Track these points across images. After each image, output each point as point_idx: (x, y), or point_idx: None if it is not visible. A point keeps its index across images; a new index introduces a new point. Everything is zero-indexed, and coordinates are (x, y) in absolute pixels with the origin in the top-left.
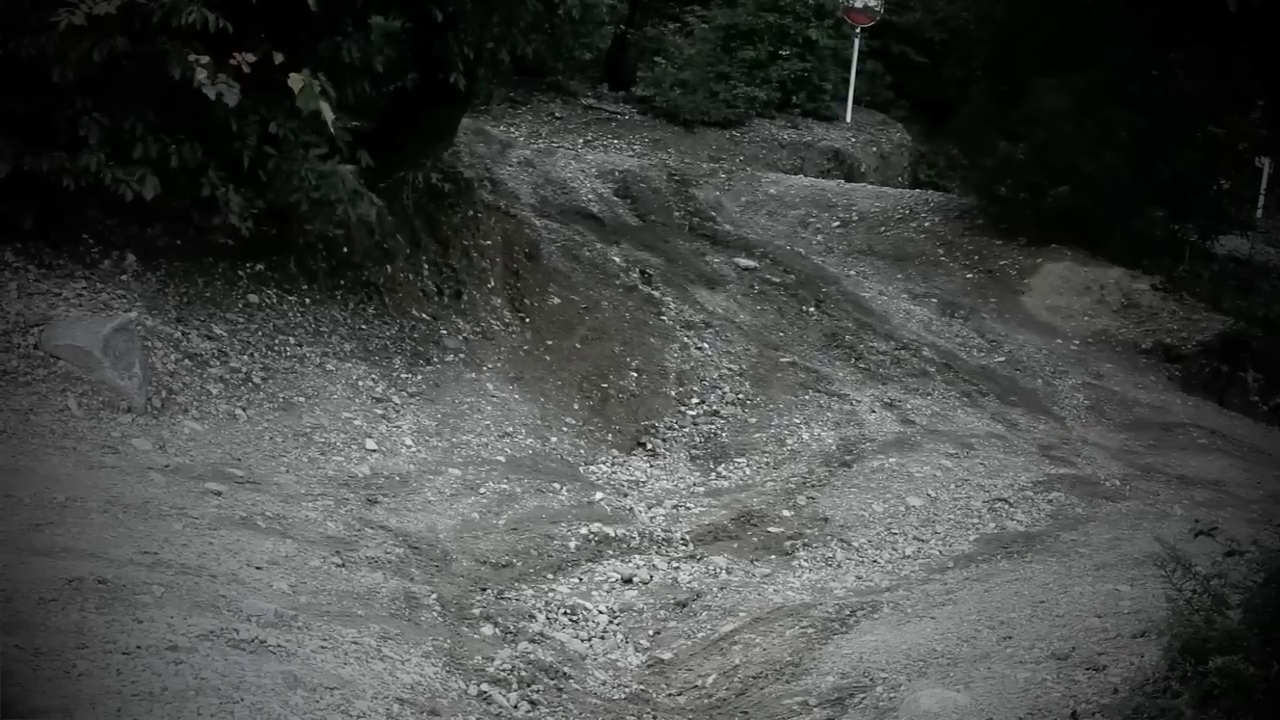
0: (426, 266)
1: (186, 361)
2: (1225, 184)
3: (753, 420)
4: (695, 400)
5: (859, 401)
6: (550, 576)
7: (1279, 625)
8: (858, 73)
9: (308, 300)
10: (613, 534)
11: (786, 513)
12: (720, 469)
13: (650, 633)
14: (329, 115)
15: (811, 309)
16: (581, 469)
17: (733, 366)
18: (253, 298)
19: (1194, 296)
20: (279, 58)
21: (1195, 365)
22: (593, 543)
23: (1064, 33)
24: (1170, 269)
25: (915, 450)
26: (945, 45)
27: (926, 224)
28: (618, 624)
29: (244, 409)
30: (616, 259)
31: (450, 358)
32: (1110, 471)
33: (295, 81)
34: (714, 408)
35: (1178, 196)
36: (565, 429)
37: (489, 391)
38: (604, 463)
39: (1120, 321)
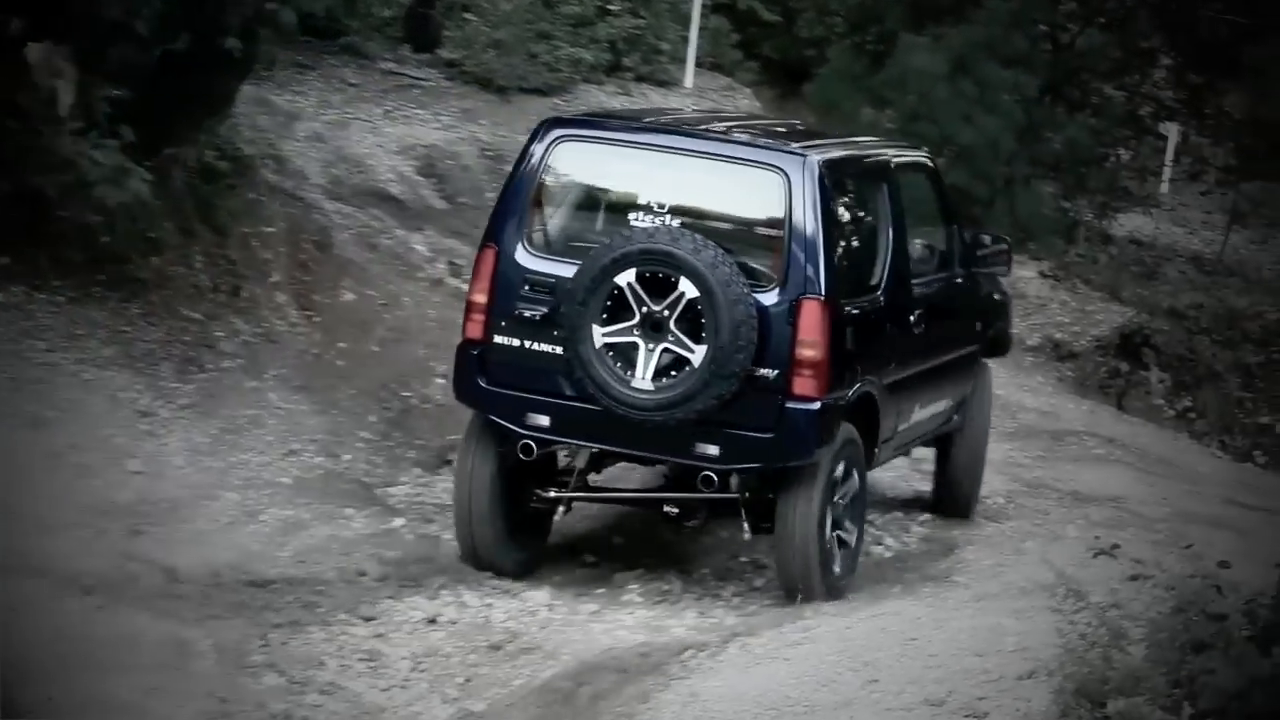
0: (200, 258)
1: None
2: (1125, 154)
3: None
4: None
5: None
6: (343, 617)
7: (1188, 662)
8: (700, 30)
9: (61, 299)
10: (416, 566)
11: (618, 539)
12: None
13: (459, 681)
14: (66, 99)
15: None
16: (379, 491)
17: None
18: None
19: (1088, 284)
20: (16, 25)
21: (1090, 364)
22: (392, 577)
23: None
24: (1061, 253)
25: None
26: None
27: None
28: (421, 671)
29: None
30: (421, 248)
31: (227, 364)
32: (991, 487)
33: (34, 53)
34: None
35: (1069, 169)
36: (361, 445)
37: (272, 402)
38: (406, 483)
39: None
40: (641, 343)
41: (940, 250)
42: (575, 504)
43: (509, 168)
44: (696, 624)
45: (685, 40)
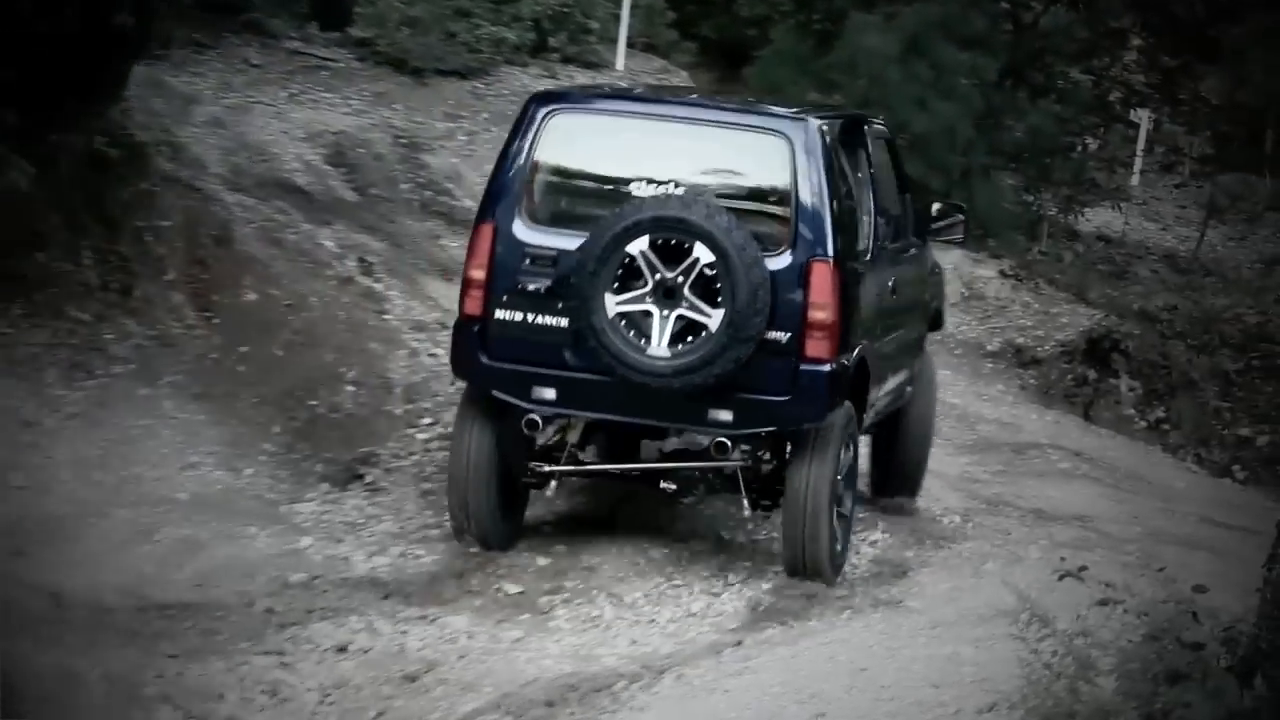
0: (88, 254)
1: None
2: (1092, 144)
3: None
4: (428, 420)
5: None
6: (245, 645)
7: (1161, 695)
8: (632, 8)
9: None
10: (324, 589)
11: (542, 560)
12: None
13: (371, 715)
14: None
15: None
16: (284, 508)
17: None
18: None
19: (1052, 285)
20: None
21: (1054, 371)
22: (298, 601)
23: None
24: (1023, 250)
25: None
26: None
27: None
28: (330, 704)
29: None
30: (329, 244)
31: (118, 369)
32: (947, 505)
33: None
34: (451, 430)
35: (1032, 160)
36: (264, 458)
37: (167, 412)
38: (313, 500)
39: (960, 317)
40: (655, 310)
41: (898, 218)
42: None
43: (426, 156)
44: (629, 653)
45: (616, 19)
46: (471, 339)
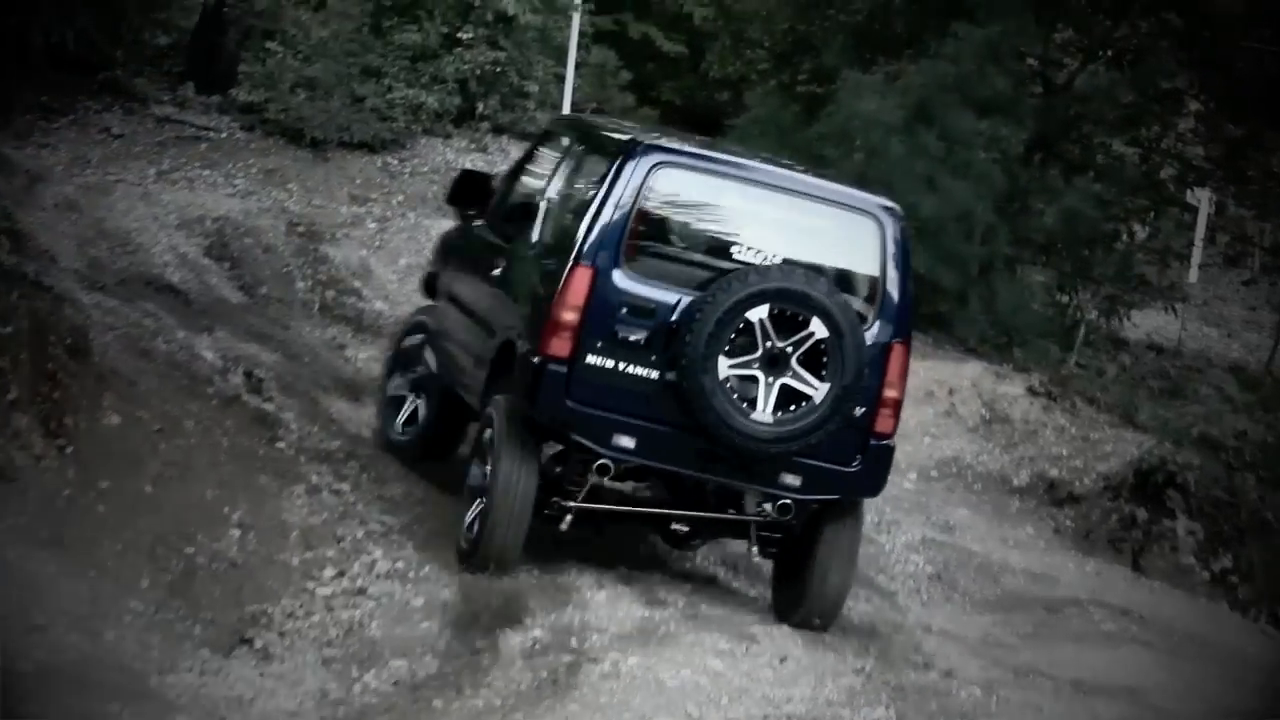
0: None
1: None
2: (1140, 231)
3: (418, 602)
4: (330, 572)
5: (582, 574)
6: None
7: None
8: (578, 66)
9: None
10: None
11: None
12: (369, 678)
13: None
14: None
15: None
16: (154, 680)
17: (388, 518)
18: None
19: (1092, 404)
20: None
21: (1096, 510)
22: None
23: (895, 2)
24: (1056, 362)
25: (669, 644)
26: (712, 23)
27: None
28: None
29: None
30: (209, 355)
31: None
32: (968, 675)
33: None
34: (360, 583)
35: (1067, 251)
36: (130, 618)
37: (9, 562)
38: (190, 670)
39: (980, 444)
40: (761, 376)
41: None
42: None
43: (327, 247)
44: None
45: (559, 79)
46: (557, 380)
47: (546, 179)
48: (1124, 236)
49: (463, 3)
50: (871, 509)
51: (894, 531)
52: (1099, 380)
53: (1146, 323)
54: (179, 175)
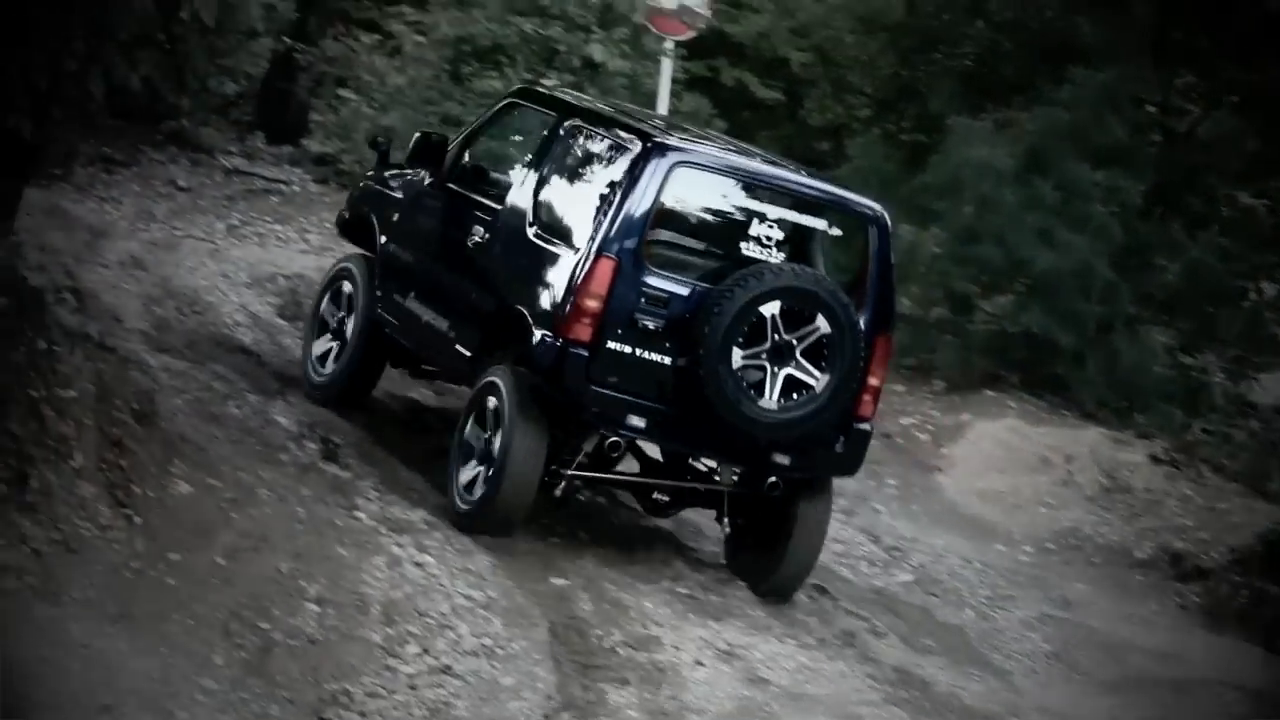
0: None
1: None
2: (1270, 288)
3: (508, 681)
4: (414, 649)
5: (679, 648)
6: None
7: None
8: (670, 114)
9: None
10: None
11: None
12: None
13: None
14: None
15: None
16: None
17: (475, 593)
18: None
19: (1219, 473)
20: None
21: (1224, 585)
22: None
23: (1005, 46)
24: (1181, 428)
25: None
26: (811, 69)
27: None
28: None
29: None
30: (283, 420)
31: (10, 584)
32: None
33: None
34: (445, 660)
35: (1191, 309)
36: (203, 697)
37: (75, 638)
38: None
39: (1100, 515)
40: (768, 366)
41: None
42: None
43: None
44: None
45: None
46: (580, 361)
47: (536, 152)
48: (1251, 294)
49: (547, 48)
50: (985, 584)
51: (1009, 607)
52: (1226, 447)
53: (1277, 386)
54: (249, 230)
